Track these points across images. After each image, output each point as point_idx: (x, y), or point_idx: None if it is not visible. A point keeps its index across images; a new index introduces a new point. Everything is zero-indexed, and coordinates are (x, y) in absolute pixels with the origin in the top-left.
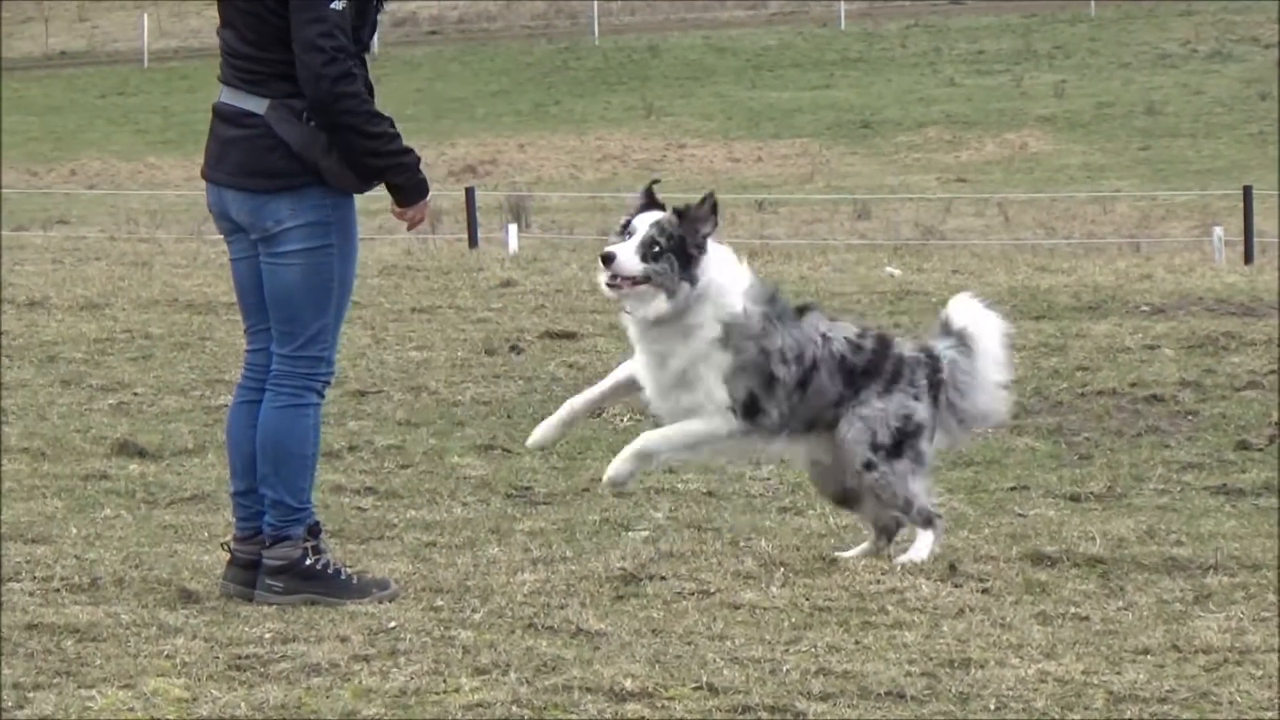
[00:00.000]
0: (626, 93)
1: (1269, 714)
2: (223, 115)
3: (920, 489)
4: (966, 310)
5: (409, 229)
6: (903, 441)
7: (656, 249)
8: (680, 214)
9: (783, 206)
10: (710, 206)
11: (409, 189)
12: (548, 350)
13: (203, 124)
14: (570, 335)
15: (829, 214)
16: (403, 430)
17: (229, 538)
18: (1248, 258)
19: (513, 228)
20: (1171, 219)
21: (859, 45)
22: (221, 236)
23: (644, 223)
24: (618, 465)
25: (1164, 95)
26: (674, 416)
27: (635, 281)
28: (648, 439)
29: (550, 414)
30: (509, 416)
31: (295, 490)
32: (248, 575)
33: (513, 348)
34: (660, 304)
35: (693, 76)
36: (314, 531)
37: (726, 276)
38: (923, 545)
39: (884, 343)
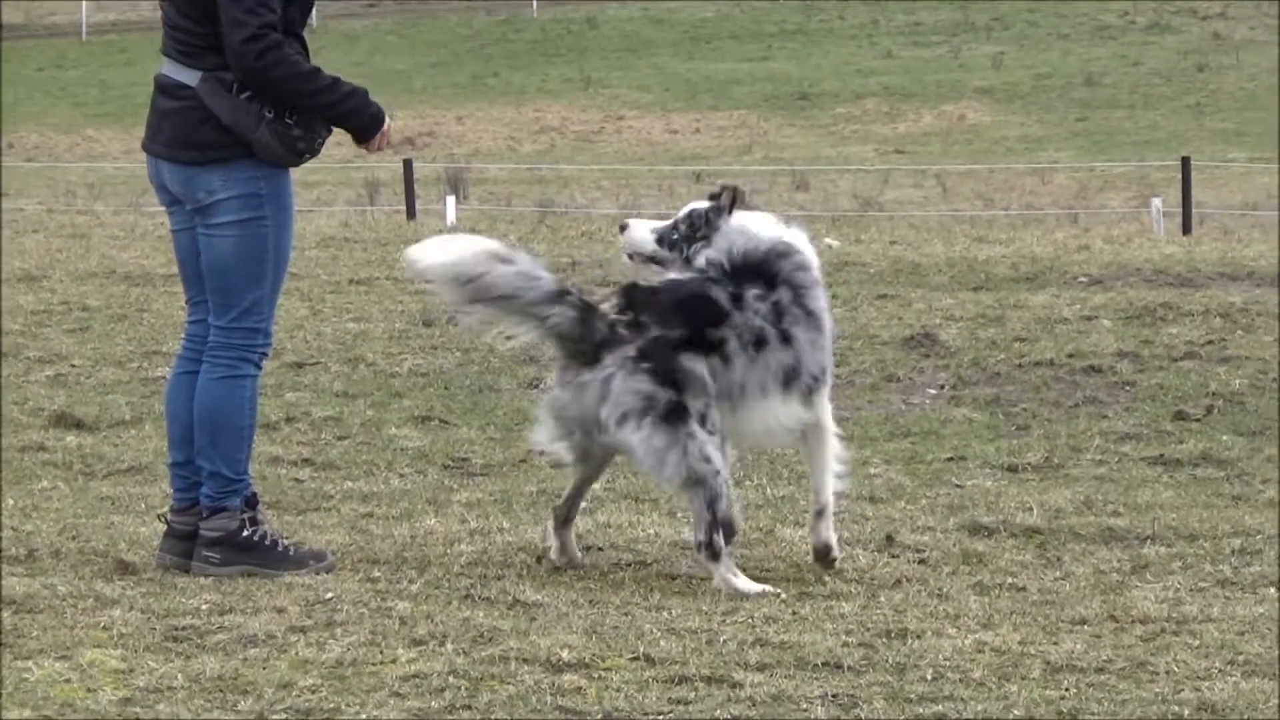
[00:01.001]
0: (564, 65)
1: (1205, 684)
2: (161, 87)
3: None
4: None
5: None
6: None
7: (675, 235)
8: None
9: (721, 178)
10: (729, 198)
11: (366, 127)
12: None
13: (141, 97)
14: None
15: (767, 185)
16: (340, 402)
17: (166, 509)
18: (1186, 229)
19: (451, 199)
20: (1109, 190)
21: (797, 17)
22: (162, 208)
23: (682, 210)
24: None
25: (1102, 67)
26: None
27: (646, 259)
28: (825, 495)
29: (487, 384)
30: (446, 388)
31: (232, 462)
32: (185, 546)
33: (450, 319)
34: None
35: (631, 48)
36: (251, 503)
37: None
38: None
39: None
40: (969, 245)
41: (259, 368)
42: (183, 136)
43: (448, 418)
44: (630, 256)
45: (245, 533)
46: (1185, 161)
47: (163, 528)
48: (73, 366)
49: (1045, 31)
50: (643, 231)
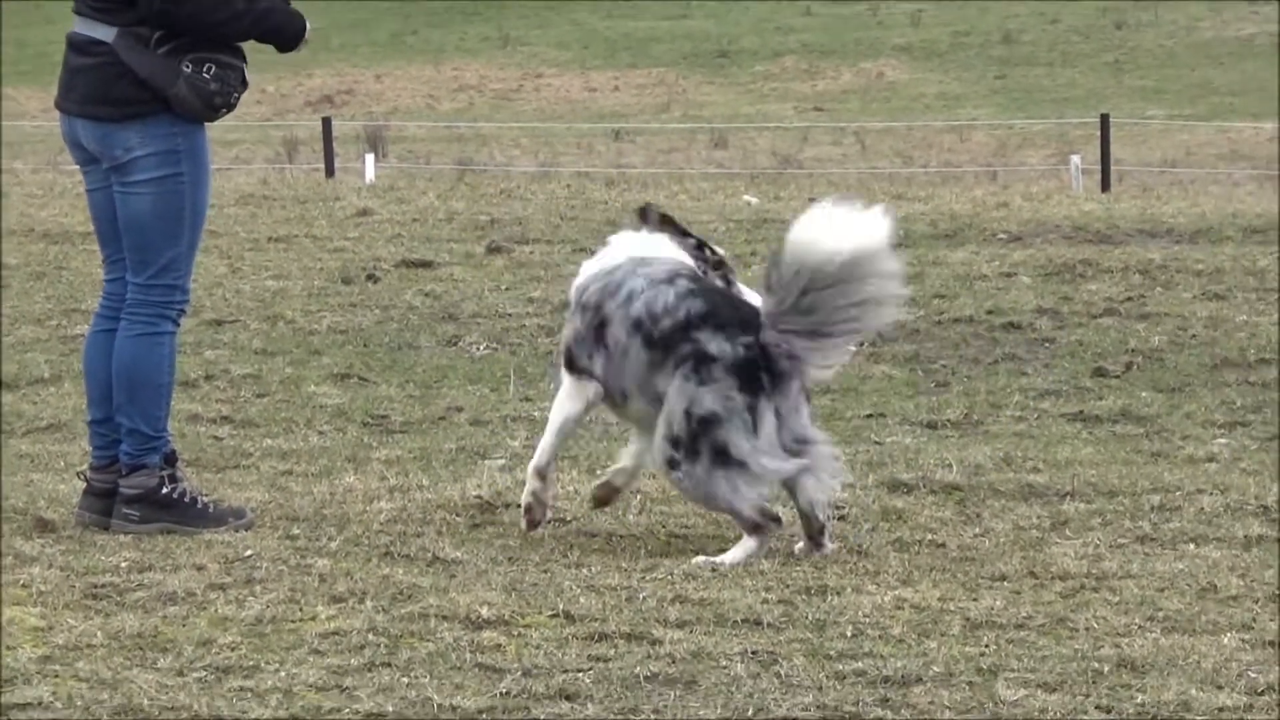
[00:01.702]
0: (483, 23)
1: (1125, 639)
2: (74, 44)
3: (736, 491)
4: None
5: None
6: (698, 437)
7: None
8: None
9: (639, 136)
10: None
11: (290, 42)
12: (404, 279)
13: (59, 55)
14: (427, 264)
15: (686, 143)
16: (259, 359)
17: (85, 467)
18: (1105, 185)
19: (369, 157)
20: (1028, 147)
21: None
22: (77, 167)
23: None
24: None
25: (1020, 24)
26: None
27: None
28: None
29: (406, 342)
30: (366, 345)
31: (151, 419)
32: (104, 504)
33: (369, 276)
34: None
35: (549, 6)
36: (170, 460)
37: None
38: (737, 550)
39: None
40: (888, 203)
41: (177, 325)
42: (98, 93)
43: (367, 375)
44: None
45: (164, 490)
46: (1104, 119)
47: (82, 485)
48: None
49: None
50: None
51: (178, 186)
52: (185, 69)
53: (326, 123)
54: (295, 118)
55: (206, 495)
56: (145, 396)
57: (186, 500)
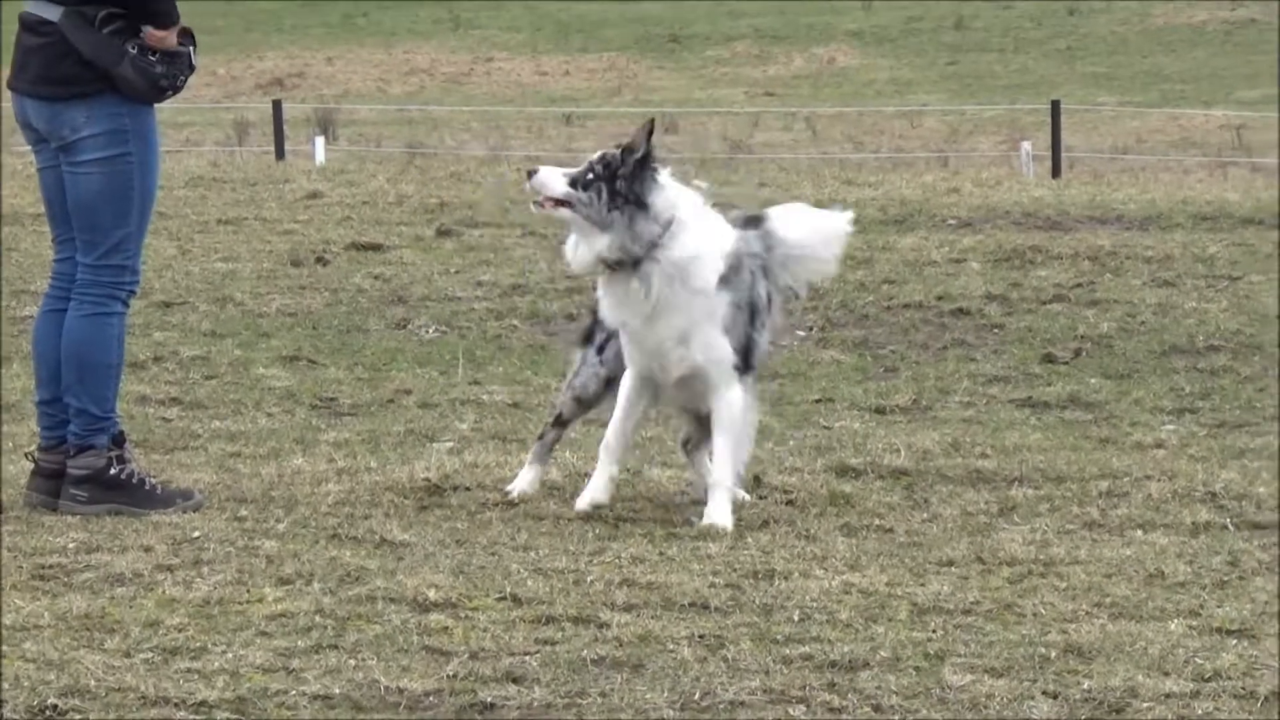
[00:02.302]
0: (434, 5)
1: (1072, 625)
2: (24, 24)
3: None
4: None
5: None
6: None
7: (590, 176)
8: (625, 146)
9: (590, 120)
10: (644, 131)
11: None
12: (354, 262)
13: (11, 37)
14: (376, 247)
15: (637, 127)
16: (208, 341)
17: (33, 448)
18: (1055, 172)
19: (320, 140)
20: (979, 134)
21: None
22: (29, 147)
23: (594, 155)
24: (727, 516)
25: (972, 10)
26: (681, 374)
27: (557, 202)
28: (718, 477)
29: (355, 325)
30: (315, 328)
31: (100, 399)
32: (52, 485)
33: (319, 259)
34: (599, 240)
35: None
36: (119, 441)
37: (698, 205)
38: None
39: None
40: (838, 188)
41: (126, 305)
42: (45, 72)
43: (316, 358)
44: (539, 204)
45: (113, 471)
46: (1055, 105)
47: (30, 466)
48: None
49: None
50: (553, 176)
51: (126, 166)
52: (131, 50)
53: (277, 105)
54: (246, 100)
55: (154, 477)
56: (94, 377)
57: (134, 481)
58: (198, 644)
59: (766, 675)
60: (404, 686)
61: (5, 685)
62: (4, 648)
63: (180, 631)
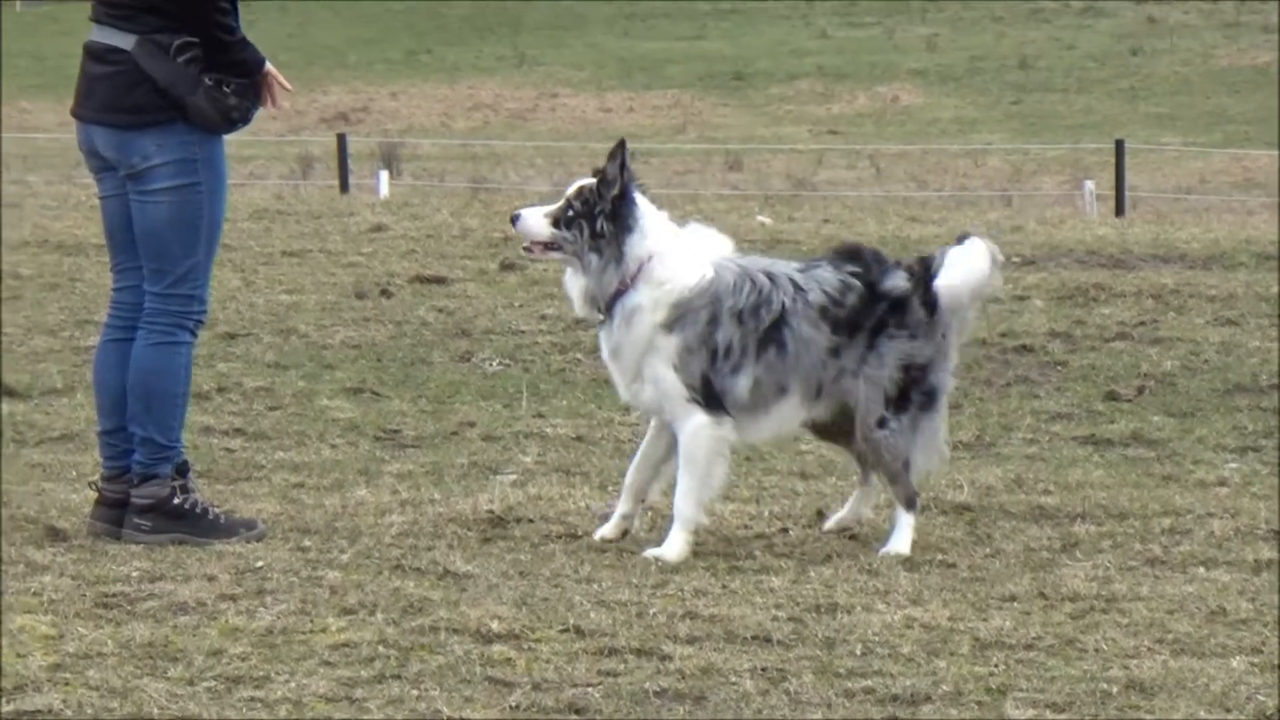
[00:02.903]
0: (498, 41)
1: (1134, 661)
2: (91, 52)
3: (923, 443)
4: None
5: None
6: (909, 389)
7: (570, 213)
8: (601, 176)
9: (654, 157)
10: (616, 162)
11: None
12: (417, 294)
13: (75, 69)
14: (440, 280)
15: (701, 165)
16: (272, 372)
17: (97, 477)
18: (1119, 211)
19: (384, 174)
20: (1043, 173)
21: None
22: (92, 175)
23: (570, 188)
24: (675, 550)
25: (1036, 49)
26: (647, 413)
27: (546, 246)
28: (679, 510)
29: (419, 357)
30: (378, 360)
31: (165, 428)
32: (115, 514)
33: (382, 291)
34: (578, 280)
35: (565, 26)
36: (182, 470)
37: (676, 255)
38: (903, 536)
39: (869, 287)
40: (902, 224)
41: (194, 335)
42: (116, 100)
43: (379, 389)
44: (528, 249)
45: (176, 500)
46: (1119, 145)
47: (94, 495)
48: (5, 335)
49: (979, 14)
50: (536, 219)
51: (195, 196)
52: (207, 81)
53: (341, 139)
54: (310, 134)
55: (218, 507)
56: (161, 406)
57: (198, 511)
58: (261, 673)
59: (828, 709)
60: (467, 717)
61: (69, 712)
62: (67, 675)
63: (243, 660)
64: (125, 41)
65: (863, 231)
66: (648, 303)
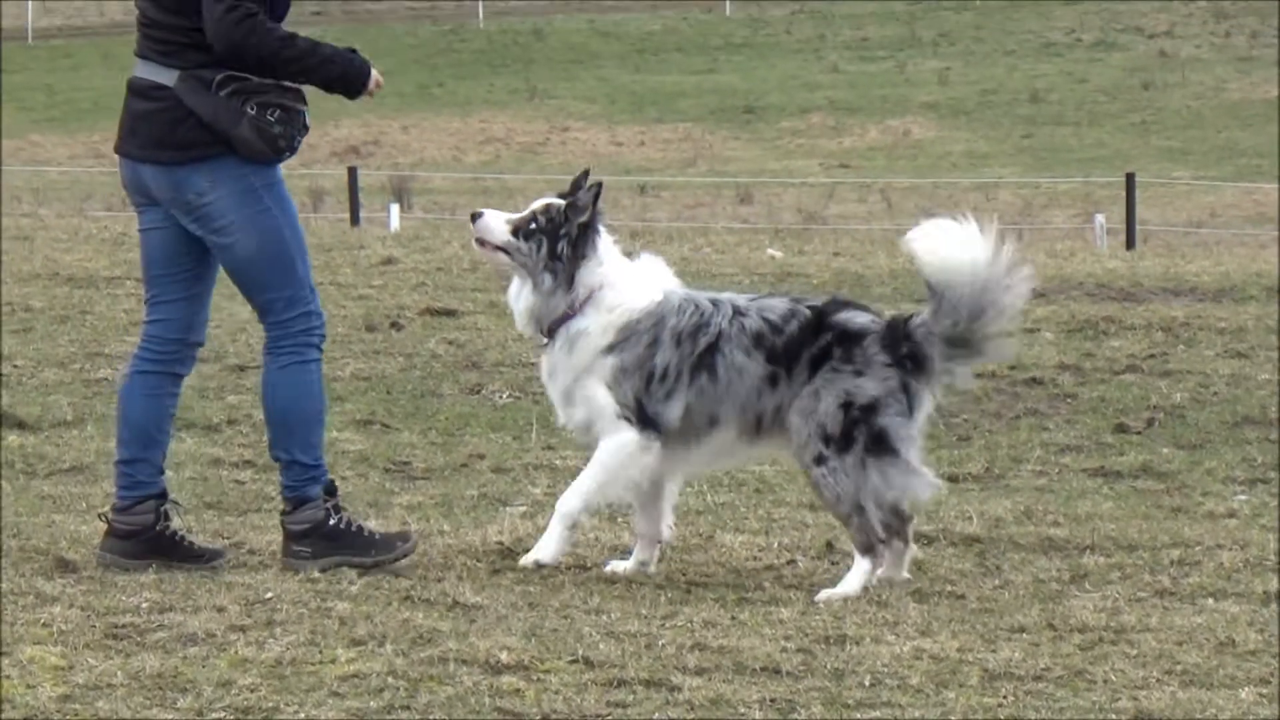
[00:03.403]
0: (510, 75)
1: (1143, 692)
2: (135, 89)
3: (874, 488)
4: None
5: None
6: (853, 428)
7: (533, 226)
8: (570, 202)
9: (665, 190)
10: (591, 194)
11: (354, 87)
12: (428, 327)
13: (86, 102)
14: (450, 312)
15: (711, 198)
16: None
17: (107, 509)
18: (1129, 244)
19: (394, 207)
20: (1054, 207)
21: (743, 30)
22: (135, 209)
23: (536, 203)
24: (548, 546)
25: (1048, 83)
26: (578, 437)
27: (496, 248)
28: (563, 502)
29: (429, 390)
30: (389, 392)
31: (308, 448)
32: (125, 546)
33: (393, 324)
34: (526, 296)
35: (577, 60)
36: (331, 490)
37: (628, 281)
38: (854, 578)
39: (819, 316)
40: (912, 258)
41: (320, 349)
42: (162, 137)
43: (389, 422)
44: (480, 242)
45: (331, 521)
46: (1130, 178)
47: (104, 527)
48: (15, 367)
49: (991, 48)
50: (498, 222)
51: (271, 220)
52: (250, 111)
53: (352, 172)
54: (321, 167)
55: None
56: (303, 426)
57: (353, 529)
58: (270, 704)
59: None
60: None
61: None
62: (76, 706)
63: (253, 692)
64: (168, 78)
65: (873, 264)
66: (595, 329)
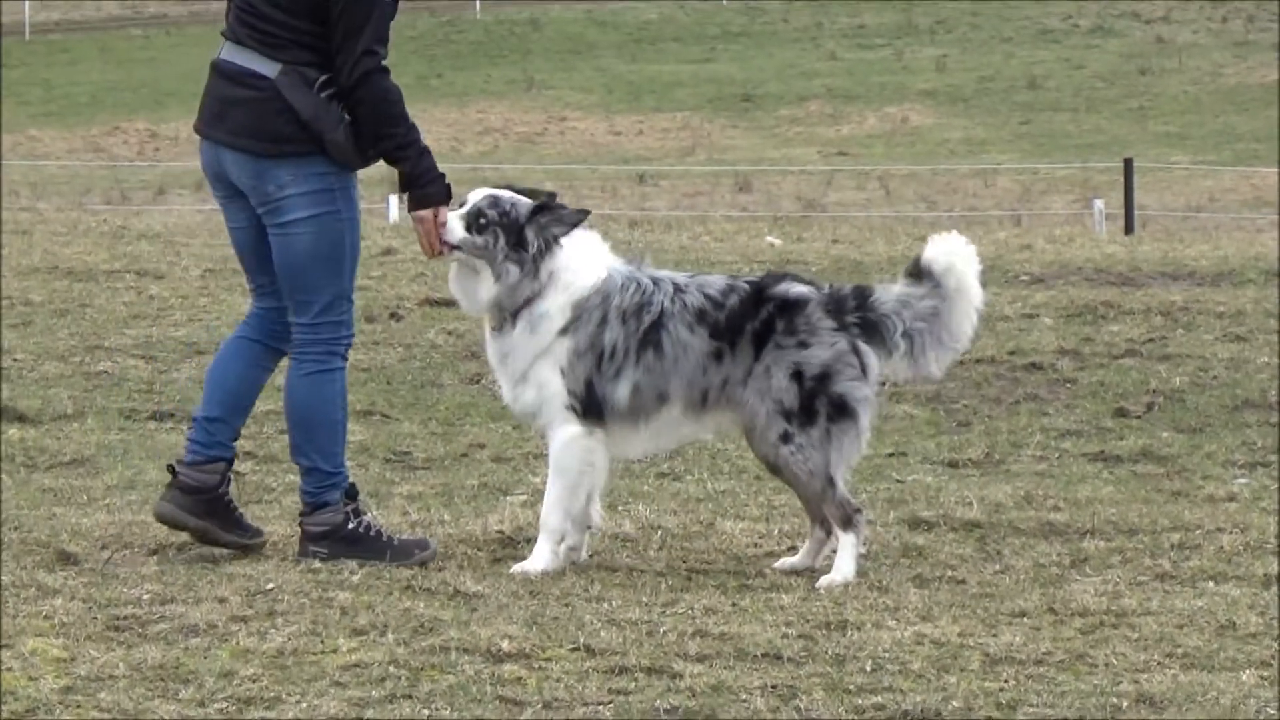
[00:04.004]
0: (508, 66)
1: (1144, 676)
2: (226, 73)
3: (843, 456)
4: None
5: (426, 247)
6: (812, 400)
7: (483, 221)
8: (542, 205)
9: (664, 179)
10: (579, 215)
11: (421, 187)
12: (427, 318)
13: (83, 97)
14: (449, 303)
15: (710, 187)
16: (281, 396)
17: (176, 460)
18: (1128, 229)
19: (393, 198)
20: (1052, 192)
21: (741, 19)
22: (217, 202)
23: (476, 195)
24: (540, 562)
25: (1045, 70)
26: (524, 419)
27: (452, 247)
28: (544, 518)
29: (429, 380)
30: (388, 383)
31: (328, 455)
32: (187, 501)
33: (392, 315)
34: (488, 286)
35: (574, 50)
36: (351, 494)
37: (579, 259)
38: (845, 559)
39: (757, 290)
40: (911, 244)
41: (345, 360)
42: (255, 126)
43: (389, 412)
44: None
45: (350, 525)
46: (1128, 164)
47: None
48: (15, 360)
49: (988, 34)
50: (453, 220)
51: (336, 224)
52: (348, 117)
53: None
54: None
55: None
56: (323, 434)
57: (371, 534)
58: (272, 694)
59: None
60: None
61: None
62: (78, 698)
63: (254, 682)
64: (269, 69)
65: (871, 251)
66: (555, 309)
